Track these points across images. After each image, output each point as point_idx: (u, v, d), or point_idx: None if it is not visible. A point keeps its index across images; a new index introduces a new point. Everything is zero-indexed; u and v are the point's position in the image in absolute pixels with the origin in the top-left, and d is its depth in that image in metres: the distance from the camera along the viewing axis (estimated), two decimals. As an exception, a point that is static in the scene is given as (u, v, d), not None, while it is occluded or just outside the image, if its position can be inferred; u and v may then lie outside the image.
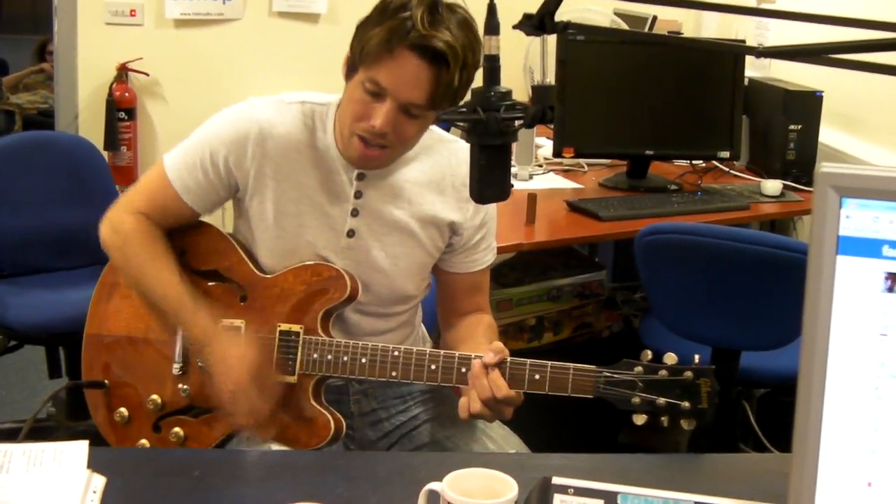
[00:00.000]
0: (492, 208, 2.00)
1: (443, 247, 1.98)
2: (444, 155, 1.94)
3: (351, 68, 1.80)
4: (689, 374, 1.65)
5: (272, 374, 1.83)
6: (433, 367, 1.78)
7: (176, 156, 1.91)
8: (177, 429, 1.89)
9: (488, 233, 2.02)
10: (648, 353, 1.69)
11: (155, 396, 1.91)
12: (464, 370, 1.76)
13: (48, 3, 4.43)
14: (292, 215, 1.89)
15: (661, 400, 1.65)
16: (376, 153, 1.82)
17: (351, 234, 1.90)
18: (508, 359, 1.73)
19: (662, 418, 1.66)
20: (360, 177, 1.89)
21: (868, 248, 0.92)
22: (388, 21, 1.71)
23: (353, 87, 1.79)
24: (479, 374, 1.73)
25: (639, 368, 1.68)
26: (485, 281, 2.07)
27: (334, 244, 1.90)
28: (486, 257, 2.03)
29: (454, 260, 2.01)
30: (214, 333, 1.83)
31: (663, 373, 1.66)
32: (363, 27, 1.76)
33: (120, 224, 1.90)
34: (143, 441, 1.92)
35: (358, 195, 1.90)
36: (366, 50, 1.73)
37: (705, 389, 1.65)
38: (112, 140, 4.29)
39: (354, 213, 1.90)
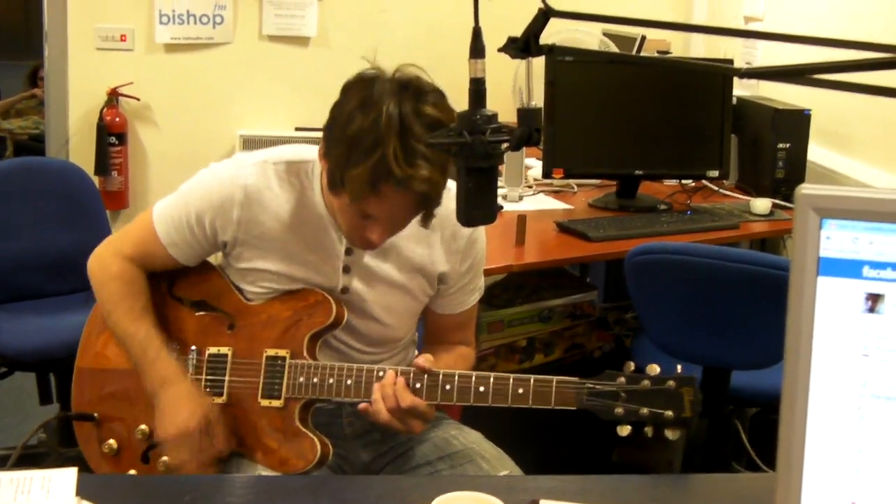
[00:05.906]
0: (480, 251, 2.01)
1: (432, 294, 2.00)
2: None
3: (334, 184, 1.74)
4: (671, 383, 1.66)
5: (216, 432, 1.85)
6: (417, 385, 1.79)
7: (164, 209, 1.93)
8: (165, 458, 1.88)
9: (475, 275, 2.04)
10: (631, 365, 1.71)
11: (144, 426, 1.92)
12: (448, 387, 1.78)
13: (39, 29, 4.44)
14: (281, 273, 1.90)
15: (645, 410, 1.66)
16: (378, 243, 1.82)
17: (345, 291, 1.91)
18: (430, 372, 1.78)
19: (646, 429, 1.67)
20: None
21: (848, 268, 0.93)
22: (366, 160, 1.64)
23: (341, 202, 1.75)
24: (387, 384, 1.77)
25: (621, 379, 1.69)
26: (471, 317, 2.09)
27: None
28: (472, 297, 2.06)
29: (441, 302, 2.03)
30: (165, 385, 1.87)
31: (646, 383, 1.67)
32: (336, 148, 1.71)
33: (107, 264, 1.95)
34: (132, 472, 1.93)
35: (349, 252, 1.90)
36: (348, 186, 1.69)
37: (688, 398, 1.65)
38: (103, 165, 4.28)
39: (346, 269, 1.91)
